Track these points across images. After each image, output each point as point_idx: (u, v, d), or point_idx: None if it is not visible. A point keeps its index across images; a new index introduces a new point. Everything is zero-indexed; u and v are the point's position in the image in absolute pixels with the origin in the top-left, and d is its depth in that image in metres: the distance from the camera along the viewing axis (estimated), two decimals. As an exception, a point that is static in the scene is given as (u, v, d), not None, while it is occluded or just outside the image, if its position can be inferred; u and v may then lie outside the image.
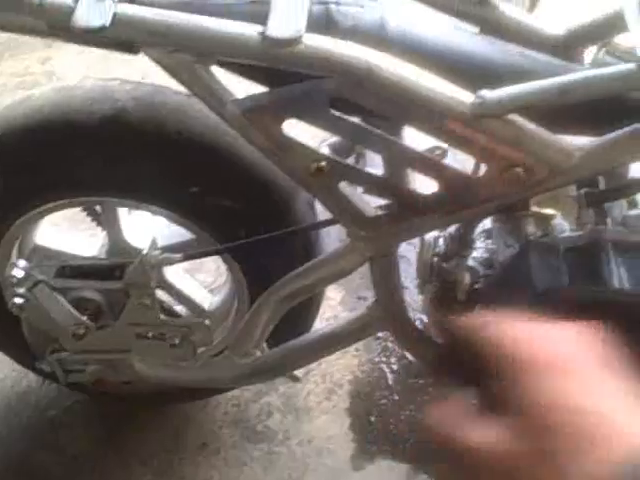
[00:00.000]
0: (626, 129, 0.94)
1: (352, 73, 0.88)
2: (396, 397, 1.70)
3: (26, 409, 1.72)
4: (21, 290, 1.22)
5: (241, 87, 0.98)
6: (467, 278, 1.21)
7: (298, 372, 1.69)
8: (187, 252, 1.21)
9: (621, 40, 0.99)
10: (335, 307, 1.85)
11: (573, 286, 1.05)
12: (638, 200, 1.16)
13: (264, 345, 1.27)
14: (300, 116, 0.93)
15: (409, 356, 1.72)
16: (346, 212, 1.05)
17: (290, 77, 0.91)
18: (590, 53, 1.11)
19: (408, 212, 1.04)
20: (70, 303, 1.27)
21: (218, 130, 1.14)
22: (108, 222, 1.34)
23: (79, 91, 1.19)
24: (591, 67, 1.04)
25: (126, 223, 1.36)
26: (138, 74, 1.70)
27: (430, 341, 1.31)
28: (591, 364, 0.55)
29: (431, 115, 0.92)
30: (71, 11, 0.85)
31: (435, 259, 1.27)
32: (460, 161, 1.14)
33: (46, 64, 2.71)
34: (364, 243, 1.10)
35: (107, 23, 0.85)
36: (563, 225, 1.14)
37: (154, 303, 1.23)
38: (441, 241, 1.28)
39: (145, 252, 1.15)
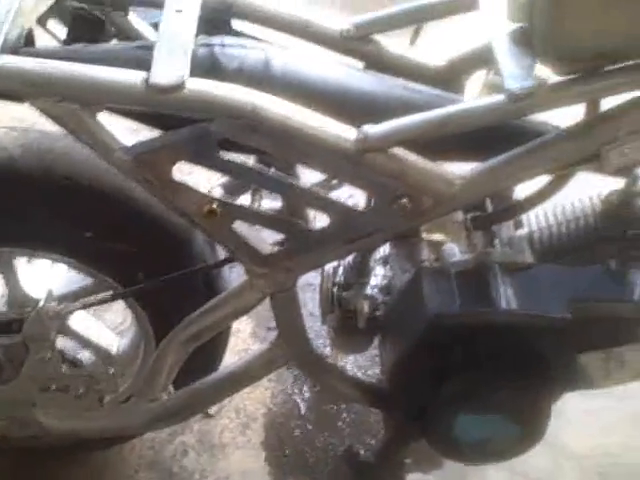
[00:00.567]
0: (502, 156, 0.98)
1: (237, 115, 0.90)
2: (310, 426, 1.71)
3: None
4: None
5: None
6: (366, 306, 1.24)
7: (211, 409, 1.70)
8: (85, 301, 1.19)
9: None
10: (246, 340, 1.86)
11: (464, 309, 1.09)
12: (524, 221, 1.21)
13: (171, 388, 1.26)
14: (190, 159, 0.95)
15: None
16: (242, 250, 1.07)
17: (181, 119, 0.92)
18: (471, 81, 1.17)
19: (303, 246, 1.07)
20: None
21: (108, 173, 1.13)
22: (4, 273, 1.31)
23: None
24: (469, 98, 1.09)
25: (24, 273, 1.33)
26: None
27: (335, 370, 1.34)
28: None
29: (317, 152, 0.95)
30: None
31: (335, 289, 1.29)
32: (354, 193, 1.18)
33: None
34: (263, 280, 1.11)
35: (-15, 77, 0.84)
36: (454, 249, 1.18)
37: (55, 355, 1.21)
38: (340, 271, 1.30)
39: (41, 304, 1.14)
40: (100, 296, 1.22)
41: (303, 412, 1.74)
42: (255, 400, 1.76)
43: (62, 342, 1.30)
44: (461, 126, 0.94)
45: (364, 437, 1.69)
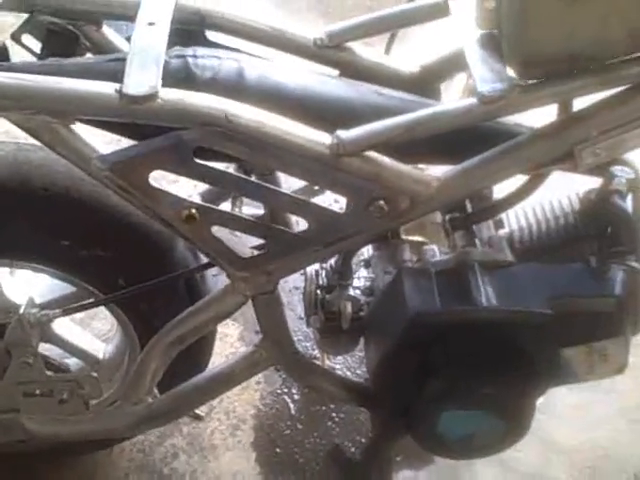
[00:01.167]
0: (477, 157, 0.99)
1: (210, 123, 0.91)
2: (300, 426, 1.72)
3: None
4: None
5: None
6: (349, 307, 1.25)
7: (201, 411, 1.71)
8: (65, 307, 1.20)
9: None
10: (233, 344, 1.86)
11: (444, 307, 1.10)
12: (504, 220, 1.22)
13: (155, 391, 1.27)
14: (166, 167, 0.95)
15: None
16: (222, 255, 1.07)
17: (156, 129, 0.93)
18: (449, 86, 1.18)
19: (282, 250, 1.07)
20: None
21: (84, 183, 1.14)
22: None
23: None
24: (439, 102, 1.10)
25: (7, 281, 1.34)
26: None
27: (320, 371, 1.35)
28: None
29: (292, 158, 0.95)
30: None
31: (318, 291, 1.30)
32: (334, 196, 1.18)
33: None
34: (244, 283, 1.12)
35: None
36: (434, 250, 1.19)
37: (37, 360, 1.21)
38: (323, 273, 1.31)
39: (21, 311, 1.15)
40: (80, 303, 1.22)
41: (293, 413, 1.74)
42: (244, 401, 1.77)
43: (47, 348, 1.31)
44: (433, 129, 0.95)
45: (354, 436, 1.70)
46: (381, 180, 0.98)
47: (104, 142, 1.00)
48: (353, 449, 1.65)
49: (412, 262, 1.22)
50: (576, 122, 0.96)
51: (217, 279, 1.34)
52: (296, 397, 1.77)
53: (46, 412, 1.29)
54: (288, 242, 1.06)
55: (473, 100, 0.92)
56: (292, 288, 1.86)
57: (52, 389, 1.24)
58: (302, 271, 1.31)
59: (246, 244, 1.10)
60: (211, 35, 1.12)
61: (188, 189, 1.09)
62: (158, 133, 0.93)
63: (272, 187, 1.00)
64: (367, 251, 1.34)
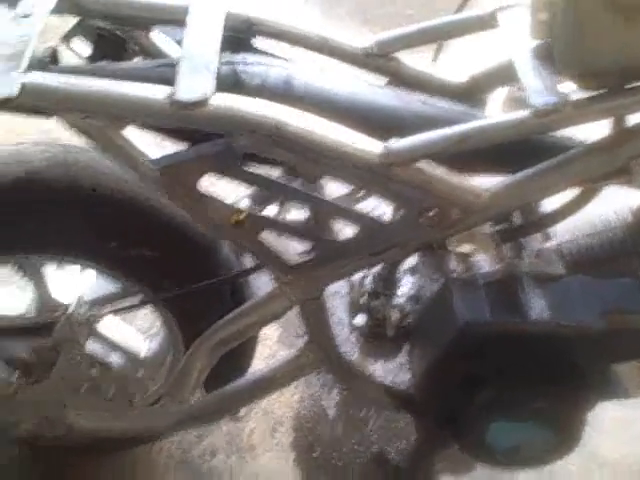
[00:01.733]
0: (530, 169, 0.98)
1: (261, 130, 0.90)
2: (338, 430, 1.72)
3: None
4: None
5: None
6: (395, 315, 1.25)
7: (240, 411, 1.71)
8: (114, 307, 1.21)
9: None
10: (272, 346, 1.86)
11: (494, 318, 1.08)
12: (551, 233, 1.20)
13: (200, 390, 1.27)
14: (215, 172, 0.95)
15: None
16: (270, 260, 1.07)
17: (205, 134, 0.93)
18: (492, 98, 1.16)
19: (330, 256, 1.07)
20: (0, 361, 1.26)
21: (132, 184, 1.15)
22: (34, 279, 1.33)
23: None
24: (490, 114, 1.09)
25: (54, 278, 1.35)
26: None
27: (364, 376, 1.34)
28: None
29: (343, 166, 0.95)
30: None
31: (364, 298, 1.30)
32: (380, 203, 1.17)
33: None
34: (290, 287, 1.12)
35: (14, 94, 0.86)
36: (482, 261, 1.17)
37: (85, 358, 1.23)
38: (368, 280, 1.31)
39: (71, 310, 1.16)
40: (128, 302, 1.23)
41: (331, 416, 1.74)
42: (283, 404, 1.77)
43: (93, 345, 1.32)
44: (484, 141, 0.93)
45: (392, 441, 1.69)
46: (432, 190, 0.96)
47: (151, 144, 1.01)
48: (393, 455, 1.64)
49: (459, 272, 1.21)
50: (631, 136, 0.94)
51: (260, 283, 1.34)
52: (334, 401, 1.76)
53: (91, 408, 1.31)
54: (336, 249, 1.06)
55: (526, 113, 0.90)
56: (333, 292, 1.85)
57: (99, 386, 1.25)
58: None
59: (293, 249, 1.10)
60: (259, 43, 1.11)
61: (231, 189, 1.09)
62: (207, 137, 0.93)
63: (321, 194, 1.00)
64: (413, 259, 1.33)
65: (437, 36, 1.16)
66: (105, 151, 0.97)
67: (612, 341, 1.09)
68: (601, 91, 0.90)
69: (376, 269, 1.31)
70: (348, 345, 1.36)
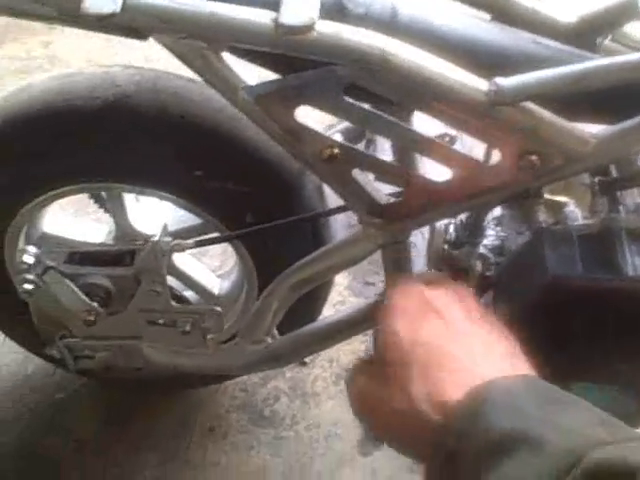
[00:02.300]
0: (631, 119, 0.93)
1: (366, 61, 0.87)
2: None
3: (32, 393, 1.72)
4: (31, 276, 1.21)
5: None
6: (478, 266, 1.21)
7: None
8: (197, 239, 1.20)
9: (631, 29, 0.98)
10: (342, 292, 1.85)
11: (586, 274, 1.04)
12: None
13: (275, 332, 1.26)
14: (313, 103, 0.92)
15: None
16: (359, 199, 1.04)
17: (302, 63, 0.90)
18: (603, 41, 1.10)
19: (420, 200, 1.03)
20: (80, 289, 1.26)
21: (222, 114, 1.13)
22: (114, 208, 1.33)
23: (80, 77, 1.18)
24: (604, 56, 1.03)
25: (133, 209, 1.35)
26: (141, 58, 1.69)
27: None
28: (457, 314, 0.69)
29: (447, 102, 0.91)
30: (81, -2, 0.84)
31: (446, 247, 1.26)
32: (471, 147, 1.13)
33: (48, 48, 2.69)
34: (376, 230, 1.09)
35: (117, 10, 0.83)
36: (576, 213, 1.13)
37: (165, 290, 1.22)
38: (452, 228, 1.27)
39: (156, 238, 1.15)
40: (212, 236, 1.22)
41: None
42: (349, 352, 1.76)
43: (170, 280, 1.32)
44: (600, 82, 0.88)
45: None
46: (537, 133, 0.92)
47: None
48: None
49: (548, 223, 1.17)
50: None
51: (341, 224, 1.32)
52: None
53: (167, 342, 1.30)
54: (428, 191, 1.02)
55: (644, 54, 0.85)
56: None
57: (176, 320, 1.25)
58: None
59: (381, 190, 1.07)
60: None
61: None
62: (306, 68, 0.90)
63: (420, 132, 0.96)
64: (498, 209, 1.29)
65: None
66: (201, 75, 0.94)
67: None
68: None
69: (460, 217, 1.27)
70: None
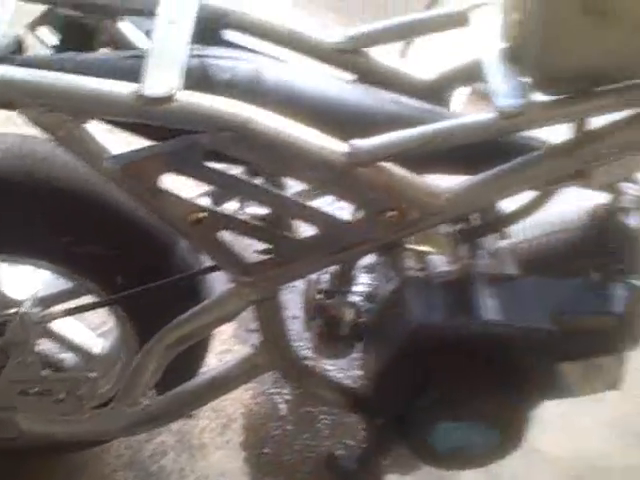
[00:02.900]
0: (491, 171, 0.99)
1: (227, 128, 0.90)
2: (289, 427, 1.72)
3: None
4: None
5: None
6: (350, 314, 1.25)
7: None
8: (68, 308, 1.19)
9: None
10: (227, 341, 1.85)
11: (447, 320, 1.10)
12: (509, 232, 1.22)
13: (152, 392, 1.26)
14: (177, 170, 0.94)
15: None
16: (227, 260, 1.07)
17: (171, 132, 0.92)
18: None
19: (288, 256, 1.07)
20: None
21: (89, 178, 1.13)
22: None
23: None
24: (455, 112, 1.10)
25: (5, 274, 1.32)
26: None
27: (318, 376, 1.34)
28: None
29: (307, 166, 0.95)
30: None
31: (319, 296, 1.30)
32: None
33: None
34: (247, 288, 1.11)
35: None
36: (439, 260, 1.18)
37: (35, 360, 1.20)
38: (324, 278, 1.31)
39: (24, 310, 1.13)
40: (83, 303, 1.21)
41: (283, 413, 1.74)
42: (235, 400, 1.76)
43: (44, 345, 1.30)
44: (449, 142, 0.94)
45: (343, 439, 1.70)
46: (394, 191, 0.97)
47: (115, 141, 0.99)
48: (343, 452, 1.64)
49: (415, 271, 1.22)
50: (591, 140, 0.96)
51: (217, 282, 1.33)
52: (286, 397, 1.76)
53: (42, 411, 1.28)
54: (294, 248, 1.06)
55: (491, 114, 0.92)
56: (288, 289, 1.85)
57: (49, 388, 1.23)
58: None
59: (250, 248, 1.10)
60: (230, 35, 1.10)
61: (191, 187, 1.08)
62: (173, 134, 0.92)
63: (282, 193, 1.00)
64: (369, 257, 1.34)
65: (408, 32, 1.17)
66: (66, 146, 0.95)
67: (562, 342, 1.11)
68: (566, 95, 0.92)
69: (332, 267, 1.31)
70: (302, 343, 1.37)
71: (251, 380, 1.33)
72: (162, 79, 0.88)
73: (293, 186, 1.13)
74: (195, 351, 1.38)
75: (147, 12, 1.00)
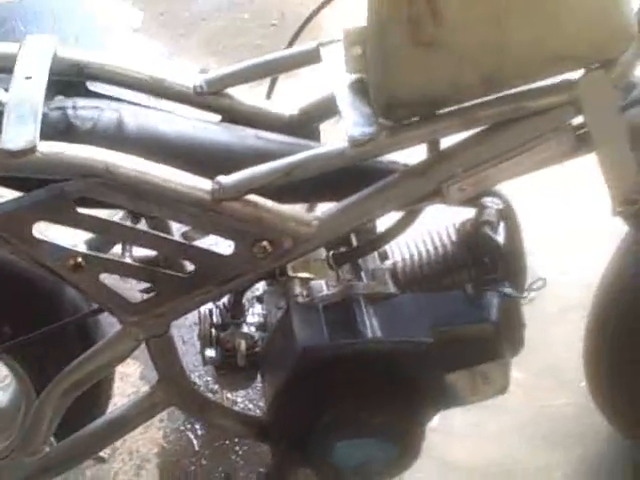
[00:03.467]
0: (355, 195, 1.04)
1: (90, 174, 0.93)
2: (204, 462, 1.72)
3: None
4: None
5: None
6: (243, 345, 1.28)
7: (104, 452, 1.69)
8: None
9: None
10: (135, 383, 1.86)
11: (332, 341, 1.14)
12: (388, 251, 1.27)
13: (52, 439, 1.26)
14: (48, 219, 0.97)
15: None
16: (111, 301, 1.09)
17: (41, 180, 0.94)
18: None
19: (171, 293, 1.09)
20: None
21: None
22: None
23: None
24: (319, 143, 1.15)
25: None
26: None
27: (218, 408, 1.36)
28: None
29: (173, 205, 0.98)
30: None
31: (213, 329, 1.32)
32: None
33: None
34: (135, 327, 1.13)
35: None
36: (322, 285, 1.22)
37: None
38: (216, 311, 1.34)
39: None
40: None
41: (197, 449, 1.74)
42: (148, 440, 1.76)
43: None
44: (309, 171, 0.99)
45: (258, 468, 1.71)
46: (262, 222, 1.01)
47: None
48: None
49: (302, 297, 1.25)
50: (441, 161, 1.01)
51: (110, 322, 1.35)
52: (199, 433, 1.77)
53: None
54: (176, 285, 1.09)
55: (345, 143, 0.97)
56: (192, 324, 1.87)
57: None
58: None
59: (134, 288, 1.12)
60: (96, 85, 1.13)
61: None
62: (41, 184, 0.95)
63: (155, 233, 1.03)
64: (261, 287, 1.37)
65: (265, 72, 1.22)
66: None
67: (442, 353, 1.16)
68: (414, 119, 0.97)
69: (222, 300, 1.34)
70: (201, 377, 1.39)
71: (151, 418, 1.35)
72: (20, 132, 0.91)
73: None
74: (96, 394, 1.39)
75: (5, 69, 1.02)
